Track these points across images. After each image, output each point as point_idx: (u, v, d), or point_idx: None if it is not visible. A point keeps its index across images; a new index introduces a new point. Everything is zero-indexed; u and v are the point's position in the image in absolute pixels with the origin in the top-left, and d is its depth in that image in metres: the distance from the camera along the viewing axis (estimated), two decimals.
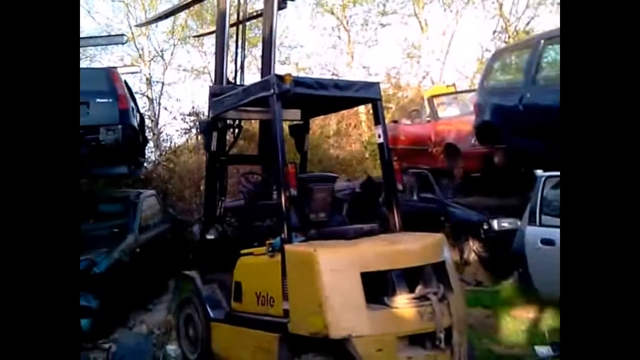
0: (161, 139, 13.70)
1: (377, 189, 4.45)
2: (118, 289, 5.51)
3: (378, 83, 4.66)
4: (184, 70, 16.36)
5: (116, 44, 12.04)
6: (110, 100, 6.69)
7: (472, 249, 7.22)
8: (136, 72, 12.73)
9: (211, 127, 4.80)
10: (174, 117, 14.27)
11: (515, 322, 5.15)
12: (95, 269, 5.32)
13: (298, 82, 3.97)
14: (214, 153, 4.86)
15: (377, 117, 4.37)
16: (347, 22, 16.09)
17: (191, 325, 4.64)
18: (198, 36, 14.52)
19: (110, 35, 12.95)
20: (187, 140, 12.39)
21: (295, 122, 5.16)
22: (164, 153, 12.24)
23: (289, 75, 3.95)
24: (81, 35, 14.73)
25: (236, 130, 5.38)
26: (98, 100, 6.61)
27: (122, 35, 10.92)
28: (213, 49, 15.63)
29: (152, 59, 15.92)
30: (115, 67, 11.10)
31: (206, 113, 12.46)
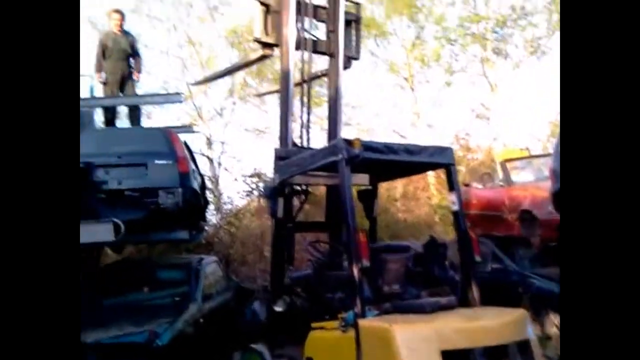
0: (222, 201, 14.04)
1: (441, 250, 4.55)
2: None
3: (451, 148, 4.85)
4: (245, 129, 16.94)
5: (173, 102, 12.55)
6: (170, 162, 6.96)
7: (554, 322, 7.16)
8: (195, 132, 13.35)
9: (277, 192, 5.02)
10: (235, 179, 14.62)
11: None
12: (157, 342, 5.50)
13: (367, 146, 4.17)
14: (280, 219, 5.06)
15: (451, 183, 4.53)
16: (412, 81, 16.55)
17: None
18: (259, 95, 15.07)
19: (167, 94, 13.41)
20: (248, 203, 12.75)
21: (363, 187, 5.41)
22: (225, 216, 12.64)
23: (358, 139, 4.16)
24: (138, 93, 15.84)
25: (302, 196, 5.63)
26: (157, 161, 6.93)
27: (179, 94, 11.31)
28: (274, 108, 16.48)
29: (211, 118, 16.60)
30: (173, 127, 11.84)
31: (269, 175, 12.97)
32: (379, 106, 16.76)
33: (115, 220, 5.14)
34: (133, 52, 8.95)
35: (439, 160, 4.59)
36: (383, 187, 13.28)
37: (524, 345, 3.72)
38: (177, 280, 7.25)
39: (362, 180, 5.31)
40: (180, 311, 6.37)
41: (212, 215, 12.70)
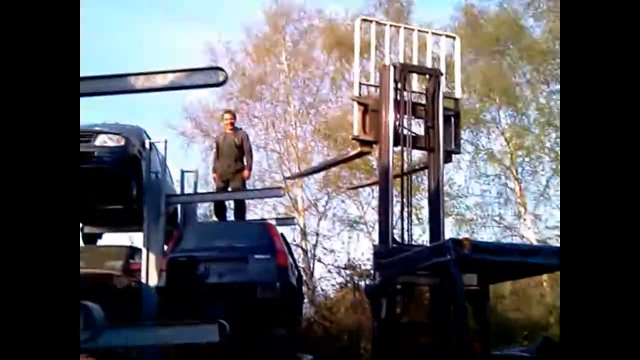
0: (316, 294, 14.04)
1: (558, 352, 4.26)
2: None
3: None
4: (339, 221, 17.06)
5: (274, 197, 13.04)
6: (269, 256, 7.14)
7: None
8: (292, 225, 13.64)
9: (380, 291, 4.99)
10: (329, 271, 14.73)
11: None
12: None
13: (477, 246, 4.10)
14: (384, 321, 4.99)
15: None
16: (516, 171, 16.17)
17: None
18: (353, 188, 15.28)
19: (268, 189, 14.06)
20: (343, 296, 12.61)
21: (471, 288, 5.22)
22: (319, 310, 12.52)
23: (467, 239, 4.11)
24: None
25: (406, 296, 5.45)
26: (256, 256, 7.13)
27: (280, 188, 11.83)
28: (369, 199, 16.64)
29: (305, 209, 16.93)
30: (272, 219, 12.17)
31: (364, 267, 12.87)
32: (481, 196, 16.36)
33: (221, 321, 5.25)
34: (243, 149, 9.33)
35: (555, 262, 4.34)
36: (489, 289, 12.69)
37: None
38: None
39: (469, 280, 5.13)
40: None
41: (305, 308, 12.68)
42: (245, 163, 9.35)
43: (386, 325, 5.04)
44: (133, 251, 9.17)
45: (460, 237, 4.28)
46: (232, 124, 9.47)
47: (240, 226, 9.40)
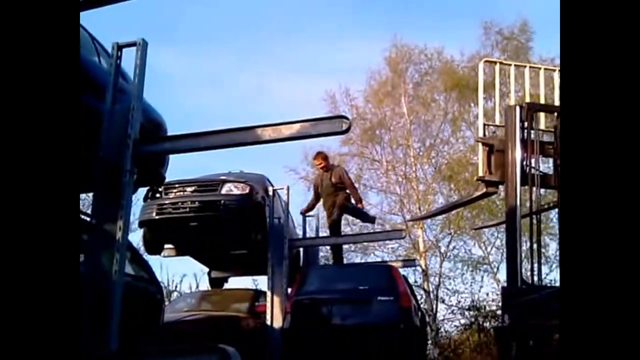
0: (439, 335, 13.72)
1: None
2: None
3: None
4: (462, 261, 16.67)
5: (396, 239, 13.06)
6: (392, 298, 7.05)
7: None
8: (414, 267, 13.48)
9: (509, 334, 4.74)
10: (452, 312, 14.46)
11: None
12: None
13: None
14: None
15: None
16: None
17: None
18: (479, 229, 14.94)
19: (389, 231, 14.15)
20: (467, 337, 12.21)
21: None
22: (443, 351, 12.19)
23: None
24: (357, 229, 16.64)
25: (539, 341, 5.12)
26: (379, 298, 7.05)
27: (402, 230, 11.80)
28: (492, 240, 16.05)
29: (426, 250, 16.67)
30: (394, 261, 12.05)
31: (489, 308, 12.34)
32: None
33: None
34: (343, 183, 9.31)
35: None
36: None
37: None
38: None
39: None
40: None
41: (429, 350, 12.32)
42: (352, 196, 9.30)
43: None
44: (258, 294, 9.42)
45: None
46: (324, 165, 9.47)
47: (363, 269, 9.43)
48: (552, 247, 13.21)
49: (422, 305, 14.57)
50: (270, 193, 8.88)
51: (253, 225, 8.22)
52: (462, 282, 15.90)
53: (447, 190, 17.00)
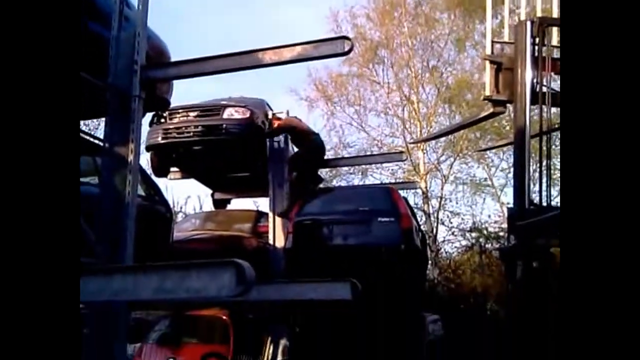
0: (440, 257, 14.17)
1: None
2: None
3: None
4: (463, 183, 16.94)
5: (396, 161, 13.21)
6: (392, 219, 7.28)
7: None
8: (416, 189, 13.73)
9: (515, 254, 4.94)
10: (453, 233, 14.87)
11: None
12: None
13: None
14: (519, 284, 4.97)
15: None
16: None
17: None
18: (482, 150, 14.97)
19: (389, 153, 14.26)
20: (468, 259, 12.63)
21: None
22: (442, 272, 12.67)
23: None
24: (355, 151, 16.80)
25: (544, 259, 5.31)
26: (380, 219, 7.29)
27: (402, 152, 11.99)
28: (496, 162, 16.25)
29: (427, 173, 16.87)
30: (394, 183, 12.32)
31: (491, 229, 12.70)
32: None
33: (354, 281, 5.57)
34: None
35: None
36: None
37: None
38: (398, 337, 7.30)
39: None
40: None
41: (429, 271, 12.84)
42: None
43: (522, 288, 4.97)
44: (260, 215, 9.76)
45: None
46: None
47: (363, 190, 9.65)
48: (559, 169, 13.39)
49: (422, 227, 15.03)
50: (271, 116, 9.04)
51: (254, 148, 8.44)
52: (464, 204, 16.18)
53: (450, 112, 16.99)
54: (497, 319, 8.46)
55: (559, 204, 5.02)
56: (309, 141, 8.76)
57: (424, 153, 16.98)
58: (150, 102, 4.70)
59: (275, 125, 8.80)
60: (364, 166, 17.04)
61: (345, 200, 8.24)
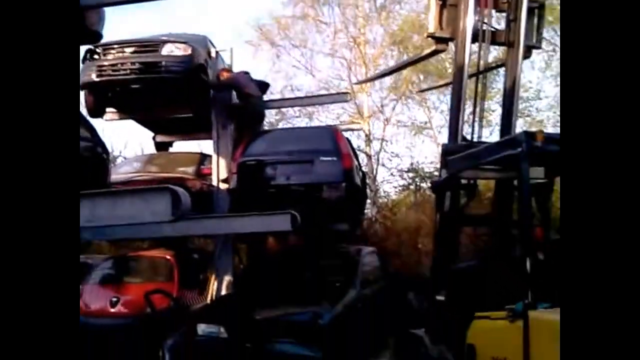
0: (379, 196, 14.51)
1: None
2: (341, 341, 6.08)
3: None
4: (404, 125, 17.13)
5: (340, 102, 13.17)
6: (335, 158, 7.42)
7: None
8: (357, 130, 13.84)
9: (445, 186, 5.11)
10: (392, 174, 15.17)
11: None
12: (320, 322, 5.93)
13: (550, 138, 4.04)
14: (447, 213, 5.15)
15: None
16: None
17: None
18: (423, 91, 15.09)
19: (333, 94, 14.19)
20: (404, 197, 13.00)
21: (537, 181, 5.27)
22: (381, 210, 13.01)
23: (541, 132, 4.07)
24: (302, 95, 16.66)
25: (469, 190, 5.54)
26: (322, 158, 7.41)
27: (346, 93, 11.92)
28: (436, 104, 16.48)
29: (370, 115, 16.95)
30: (337, 125, 12.36)
31: (427, 170, 13.08)
32: (555, 97, 15.90)
33: (293, 212, 5.61)
34: None
35: None
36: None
37: None
38: (337, 268, 7.62)
39: (537, 174, 5.15)
40: (340, 296, 6.74)
41: (368, 209, 13.15)
42: None
43: (448, 217, 5.18)
44: (203, 157, 9.64)
45: (534, 130, 4.23)
46: None
47: (306, 131, 9.65)
48: (495, 112, 13.74)
49: (363, 168, 15.25)
50: (213, 55, 8.75)
51: (195, 87, 8.18)
52: (404, 146, 16.43)
53: (398, 54, 16.91)
54: (427, 251, 8.84)
55: (489, 141, 5.16)
56: (251, 104, 8.57)
57: (368, 95, 17.01)
58: (80, 34, 4.43)
59: (223, 77, 8.54)
60: (309, 110, 17.12)
61: (289, 141, 8.26)
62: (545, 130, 5.59)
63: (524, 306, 3.76)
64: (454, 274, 5.12)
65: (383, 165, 16.40)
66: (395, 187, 14.45)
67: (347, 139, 8.61)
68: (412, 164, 14.42)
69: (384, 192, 14.94)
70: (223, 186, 8.44)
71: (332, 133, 8.10)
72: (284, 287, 7.15)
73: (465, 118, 6.17)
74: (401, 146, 16.60)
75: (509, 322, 3.85)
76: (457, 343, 4.53)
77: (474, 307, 4.42)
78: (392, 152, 16.39)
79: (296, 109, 17.04)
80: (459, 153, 5.00)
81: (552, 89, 15.95)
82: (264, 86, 9.40)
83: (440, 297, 5.02)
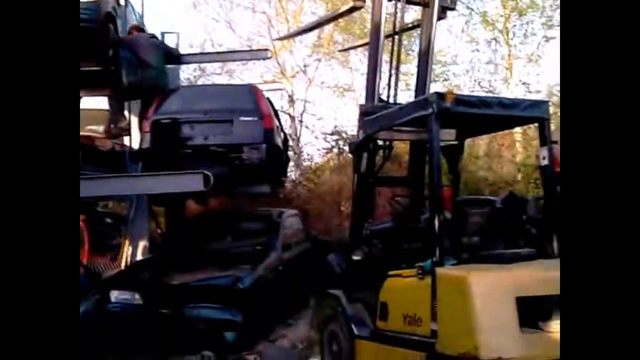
0: (302, 158, 14.63)
1: (520, 205, 4.67)
2: (261, 304, 6.25)
3: (547, 102, 4.89)
4: (327, 87, 17.21)
5: (260, 59, 12.91)
6: (255, 118, 7.35)
7: None
8: (280, 90, 13.76)
9: (362, 147, 5.25)
10: (316, 136, 15.21)
11: None
12: (239, 285, 6.09)
13: (460, 100, 4.24)
14: (363, 174, 5.29)
15: (543, 138, 4.59)
16: (508, 35, 16.25)
17: (335, 341, 5.24)
18: (343, 50, 15.13)
19: (253, 50, 13.89)
20: (328, 160, 13.23)
21: (449, 143, 5.54)
22: (304, 173, 13.19)
23: (452, 92, 4.24)
24: (222, 50, 16.32)
25: (385, 152, 5.74)
26: (242, 118, 7.32)
27: (266, 50, 11.68)
28: (359, 65, 16.63)
29: (294, 75, 16.92)
30: (258, 83, 12.24)
31: (350, 132, 13.32)
32: (471, 62, 16.56)
33: (205, 172, 5.59)
34: None
35: (533, 114, 4.62)
36: (465, 144, 13.44)
37: None
38: (258, 231, 7.75)
39: (448, 135, 5.38)
40: (261, 259, 6.92)
41: (291, 172, 13.28)
42: None
43: (365, 178, 5.32)
44: (117, 114, 9.33)
45: (444, 91, 4.43)
46: None
47: (225, 89, 9.48)
48: (414, 75, 14.08)
49: (286, 130, 15.29)
50: (122, 3, 8.41)
51: (103, 38, 7.80)
52: (328, 108, 16.52)
53: (321, 11, 16.81)
54: (349, 213, 9.15)
55: (404, 102, 5.33)
56: (146, 73, 8.17)
57: (291, 53, 16.94)
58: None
59: (130, 34, 8.22)
60: (231, 67, 16.81)
61: (206, 99, 8.09)
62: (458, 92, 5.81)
63: (432, 264, 4.02)
64: (370, 234, 5.35)
65: (307, 127, 16.53)
66: (319, 150, 14.64)
67: (268, 98, 8.55)
68: (335, 126, 14.56)
69: (308, 154, 15.05)
70: (136, 146, 8.23)
71: (252, 92, 7.96)
72: (203, 251, 7.21)
73: (387, 81, 6.27)
74: (326, 108, 16.75)
75: (418, 279, 4.10)
76: (372, 302, 4.77)
77: (389, 266, 4.67)
78: (314, 114, 16.50)
79: (216, 66, 16.78)
80: (375, 114, 5.16)
81: (468, 55, 16.51)
82: (172, 57, 8.97)
83: (356, 257, 5.24)
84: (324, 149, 13.93)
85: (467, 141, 13.11)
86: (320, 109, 16.84)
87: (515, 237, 4.58)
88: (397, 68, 6.17)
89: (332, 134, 13.79)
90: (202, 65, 16.03)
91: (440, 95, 4.21)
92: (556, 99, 14.06)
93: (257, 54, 11.80)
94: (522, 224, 4.66)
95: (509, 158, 13.08)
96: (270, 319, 6.66)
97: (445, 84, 15.61)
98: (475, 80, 16.21)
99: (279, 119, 9.18)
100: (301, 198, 11.47)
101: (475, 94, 14.20)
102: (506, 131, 13.02)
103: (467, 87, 15.87)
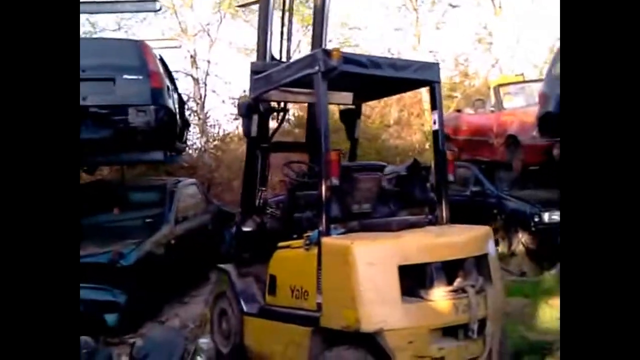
0: (208, 125, 14.26)
1: (423, 172, 4.69)
2: (149, 282, 6.02)
3: (437, 64, 4.89)
4: (235, 48, 17.01)
5: (147, 11, 12.02)
6: (141, 77, 6.92)
7: (521, 240, 8.23)
8: (175, 47, 13.18)
9: (251, 109, 4.97)
10: (223, 101, 15.01)
11: (552, 311, 5.68)
12: (122, 262, 5.84)
13: (348, 58, 4.13)
14: (254, 139, 5.08)
15: (434, 102, 4.60)
16: (416, 1, 16.60)
17: (225, 319, 5.12)
18: (242, 6, 14.73)
19: (140, 1, 13.17)
20: (237, 127, 12.95)
21: (346, 107, 5.46)
22: (210, 140, 12.85)
23: (338, 50, 4.09)
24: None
25: (281, 114, 5.63)
26: (126, 76, 6.87)
27: (155, 1, 10.76)
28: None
29: (196, 34, 16.44)
30: (151, 40, 11.63)
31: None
32: (381, 28, 16.86)
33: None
34: None
35: (424, 76, 4.61)
36: (376, 112, 13.68)
37: (482, 259, 4.03)
38: (150, 202, 7.53)
39: (345, 99, 5.32)
40: (151, 233, 6.68)
41: (196, 139, 12.94)
42: None
43: (256, 143, 5.15)
44: None
45: (331, 48, 4.33)
46: None
47: (108, 44, 8.86)
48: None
49: (188, 93, 14.85)
50: None
51: None
52: (234, 70, 16.15)
53: None
54: None
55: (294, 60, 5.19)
56: None
57: (192, 9, 16.40)
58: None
59: None
60: (127, 24, 16.24)
61: (84, 54, 7.53)
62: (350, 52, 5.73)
63: (318, 233, 3.95)
64: (262, 204, 5.23)
65: (213, 91, 16.22)
66: (227, 116, 14.30)
67: (160, 56, 8.17)
68: (244, 90, 14.25)
69: (215, 121, 14.73)
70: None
71: (138, 48, 7.43)
72: (85, 224, 6.86)
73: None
74: (234, 71, 16.37)
75: (305, 250, 4.04)
76: (262, 276, 4.68)
77: (281, 237, 4.56)
78: (221, 78, 16.28)
79: (111, 22, 15.99)
80: (265, 71, 4.99)
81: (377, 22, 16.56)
82: None
83: (247, 229, 5.12)
84: (232, 114, 13.65)
85: (380, 109, 13.30)
86: (228, 72, 16.41)
87: (418, 204, 4.59)
88: (290, 25, 5.98)
89: (240, 98, 13.48)
90: (93, 19, 15.20)
91: (326, 52, 4.09)
92: (462, 68, 14.84)
93: (143, 6, 11.01)
94: (424, 191, 4.69)
95: (418, 126, 13.43)
96: (160, 298, 6.46)
97: (357, 49, 15.63)
98: (384, 48, 16.49)
99: (172, 80, 8.78)
100: (207, 167, 11.20)
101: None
102: (416, 100, 13.44)
103: (377, 52, 16.04)
